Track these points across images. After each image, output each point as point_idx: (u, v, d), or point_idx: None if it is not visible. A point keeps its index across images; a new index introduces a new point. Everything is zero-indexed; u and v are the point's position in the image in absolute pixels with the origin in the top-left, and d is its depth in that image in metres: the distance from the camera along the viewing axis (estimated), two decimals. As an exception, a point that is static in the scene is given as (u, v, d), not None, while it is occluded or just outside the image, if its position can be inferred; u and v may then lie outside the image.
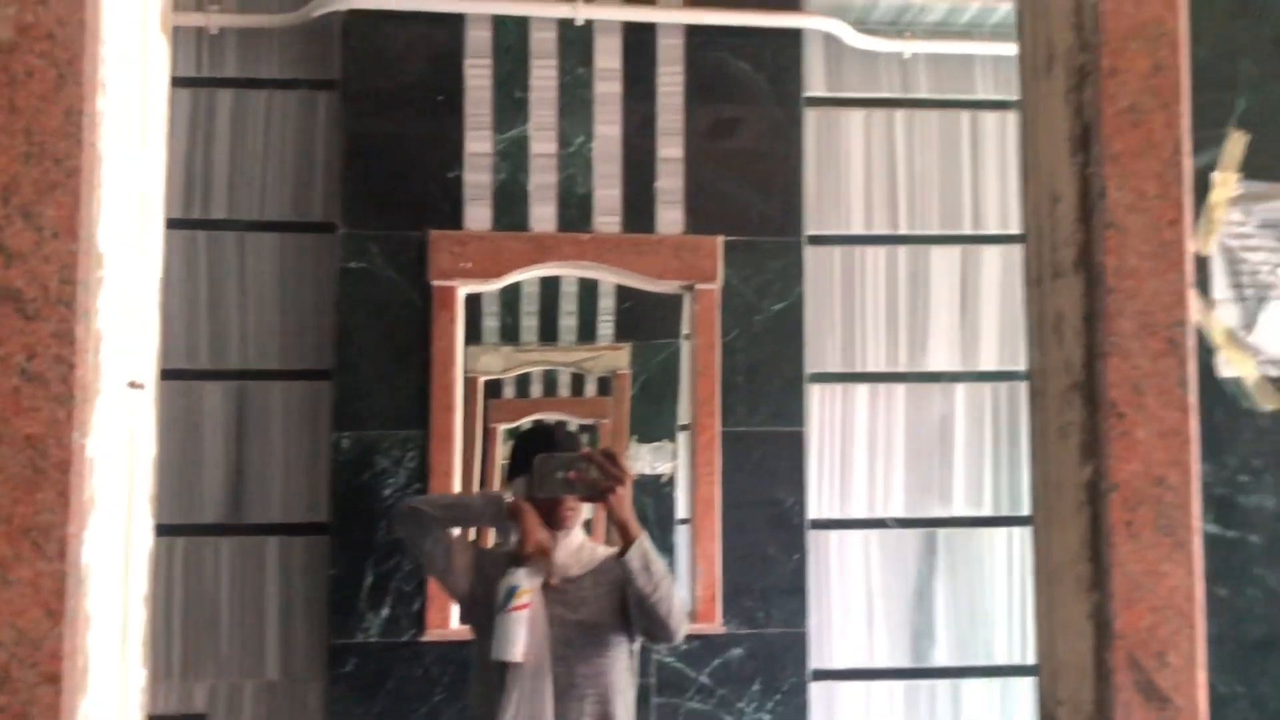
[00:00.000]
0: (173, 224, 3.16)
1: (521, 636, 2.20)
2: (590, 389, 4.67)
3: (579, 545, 2.41)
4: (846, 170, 3.51)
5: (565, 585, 2.32)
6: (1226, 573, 0.94)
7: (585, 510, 2.50)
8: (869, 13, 3.49)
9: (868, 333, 3.48)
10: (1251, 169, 0.96)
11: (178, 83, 3.23)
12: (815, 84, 3.49)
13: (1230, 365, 0.95)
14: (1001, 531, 3.44)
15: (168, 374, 3.11)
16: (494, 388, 4.47)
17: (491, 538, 3.16)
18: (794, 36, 3.41)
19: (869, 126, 3.53)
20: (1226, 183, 0.95)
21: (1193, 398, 0.90)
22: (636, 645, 2.43)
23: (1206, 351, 0.95)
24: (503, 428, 4.73)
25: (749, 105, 3.38)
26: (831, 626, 3.36)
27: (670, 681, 3.20)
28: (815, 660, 3.30)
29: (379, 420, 3.19)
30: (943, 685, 3.40)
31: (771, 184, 3.36)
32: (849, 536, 3.40)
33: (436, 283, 3.23)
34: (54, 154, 0.82)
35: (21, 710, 0.79)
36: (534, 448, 2.34)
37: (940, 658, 3.40)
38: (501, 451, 4.84)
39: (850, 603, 3.38)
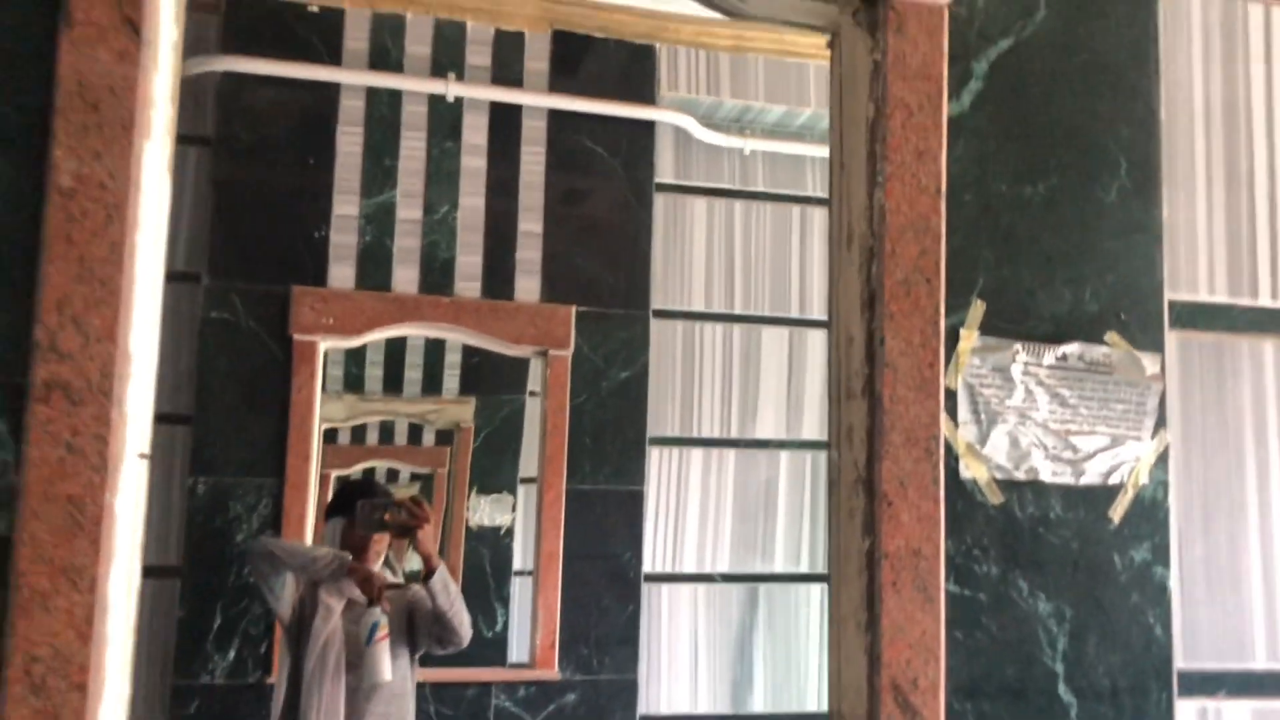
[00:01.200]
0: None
1: (386, 661, 2.75)
2: (429, 439, 4.89)
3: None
4: (690, 251, 3.91)
5: (357, 608, 2.82)
6: (961, 621, 1.31)
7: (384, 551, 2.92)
8: (715, 110, 3.92)
9: (704, 401, 3.87)
10: (987, 328, 1.35)
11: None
12: (665, 171, 3.89)
13: (968, 469, 1.34)
14: (817, 586, 3.87)
15: (23, 414, 3.22)
16: (330, 434, 4.64)
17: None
18: (648, 127, 3.80)
19: (711, 213, 3.95)
20: (970, 337, 1.34)
21: (942, 492, 1.28)
22: (418, 656, 2.93)
23: (953, 458, 1.33)
24: (335, 474, 4.90)
25: (604, 187, 3.75)
26: (660, 674, 3.70)
27: (507, 725, 3.47)
28: (643, 706, 3.63)
29: (235, 467, 3.37)
30: (759, 731, 3.78)
31: (621, 260, 3.73)
32: (679, 589, 3.76)
33: (298, 337, 3.45)
34: (100, 276, 1.08)
35: (55, 713, 1.04)
36: (353, 494, 2.88)
37: (757, 704, 3.78)
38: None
39: (677, 652, 3.73)
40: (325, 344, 3.53)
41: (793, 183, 4.00)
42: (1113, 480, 1.39)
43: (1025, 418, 1.35)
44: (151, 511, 3.28)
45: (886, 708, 1.24)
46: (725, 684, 3.78)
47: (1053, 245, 1.38)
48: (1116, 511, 1.39)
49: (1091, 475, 1.38)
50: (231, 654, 3.30)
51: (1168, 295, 1.48)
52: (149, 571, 3.33)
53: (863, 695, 1.26)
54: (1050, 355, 1.37)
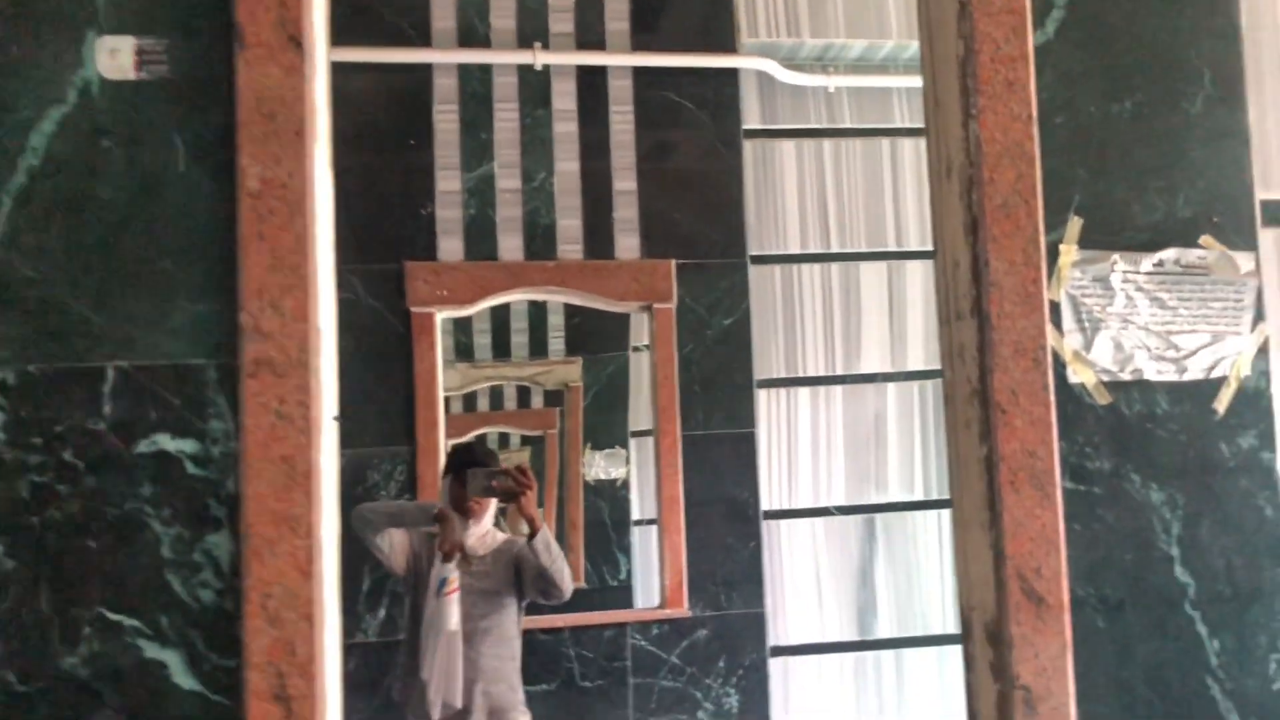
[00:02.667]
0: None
1: (455, 613, 2.98)
2: (537, 401, 5.09)
3: (485, 532, 3.12)
4: (782, 195, 4.01)
5: (474, 561, 3.06)
6: (1078, 515, 1.43)
7: (492, 507, 3.12)
8: (796, 51, 4.00)
9: (807, 341, 3.99)
10: (1085, 242, 1.46)
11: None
12: (751, 117, 3.99)
13: (1076, 374, 1.45)
14: (933, 514, 3.99)
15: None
16: (446, 403, 4.87)
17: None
18: (731, 75, 3.90)
19: (801, 154, 4.04)
20: (1069, 252, 1.45)
21: (1052, 397, 1.39)
22: (524, 604, 3.15)
23: (1061, 366, 1.44)
24: (451, 442, 5.12)
25: (693, 138, 3.86)
26: (785, 607, 3.86)
27: (644, 663, 3.66)
28: (772, 638, 3.80)
29: (370, 438, 3.60)
30: (886, 655, 3.93)
31: (716, 209, 3.85)
32: (797, 525, 3.91)
33: (415, 309, 3.65)
34: (289, 265, 1.26)
35: (289, 641, 1.22)
36: (463, 457, 3.12)
37: (883, 630, 3.92)
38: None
39: (801, 584, 3.89)
40: (441, 314, 3.73)
41: (880, 116, 4.07)
42: (1215, 374, 1.49)
43: (1127, 322, 1.46)
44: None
45: (1014, 596, 1.37)
46: (850, 612, 3.92)
47: (1144, 158, 1.47)
48: (1221, 403, 1.49)
49: (1195, 371, 1.48)
50: (381, 613, 3.56)
51: (1259, 195, 1.56)
52: (299, 541, 3.62)
53: (990, 587, 1.39)
54: (1147, 262, 1.47)
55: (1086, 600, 1.42)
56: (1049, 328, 1.39)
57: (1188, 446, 1.47)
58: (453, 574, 3.02)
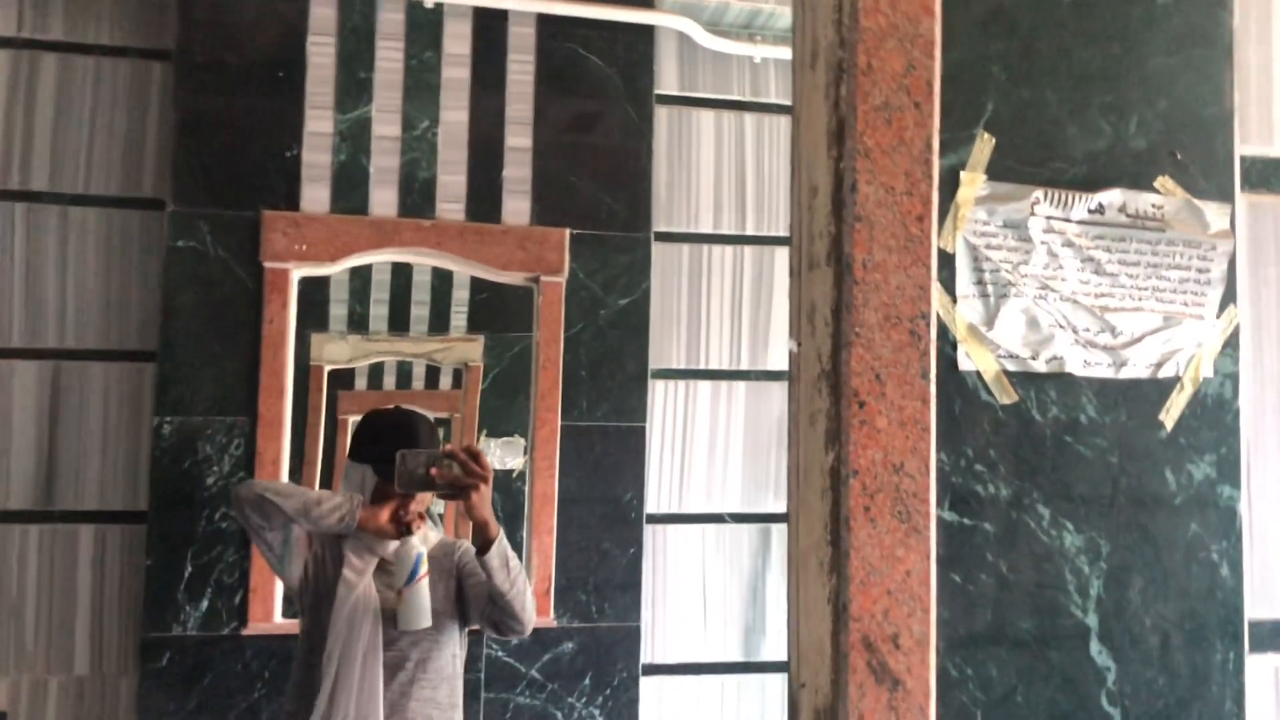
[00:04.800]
0: (-15, 193, 3.02)
1: (427, 603, 2.24)
2: (445, 382, 4.61)
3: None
4: (696, 169, 3.54)
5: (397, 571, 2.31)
6: (961, 559, 0.97)
7: (425, 504, 2.46)
8: (721, 14, 3.53)
9: (711, 330, 3.52)
10: (997, 170, 1.00)
11: (-6, 43, 3.08)
12: (668, 82, 3.52)
13: (970, 359, 0.99)
14: (834, 529, 3.53)
15: (-28, 351, 2.95)
16: (345, 379, 4.38)
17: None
18: (647, 33, 3.43)
19: (720, 126, 3.57)
20: (973, 182, 0.99)
21: (933, 388, 0.93)
22: (466, 632, 2.43)
23: (949, 344, 0.98)
24: (352, 419, 4.63)
25: (600, 99, 3.39)
26: (664, 621, 3.40)
27: (500, 676, 3.18)
28: (647, 655, 3.33)
29: (204, 405, 3.08)
30: (773, 680, 3.47)
31: (621, 179, 3.38)
32: (685, 531, 3.44)
33: (269, 264, 3.15)
34: None
35: None
36: (386, 436, 2.31)
37: (770, 652, 3.46)
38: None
39: (683, 597, 3.42)
40: (298, 272, 3.22)
41: (806, 91, 3.61)
42: (1165, 373, 1.03)
43: (1047, 289, 1.00)
44: (116, 454, 3.03)
45: (857, 674, 0.90)
46: (736, 631, 3.46)
47: (1086, 59, 1.01)
48: (1169, 414, 1.03)
49: (1136, 366, 1.02)
50: (204, 604, 3.04)
51: (1239, 148, 1.11)
52: (115, 517, 3.09)
53: (826, 658, 0.93)
54: (1081, 206, 1.01)
55: (961, 685, 0.96)
56: (935, 288, 0.94)
57: (1119, 472, 1.02)
58: (425, 554, 2.26)
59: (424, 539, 2.37)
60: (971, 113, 0.99)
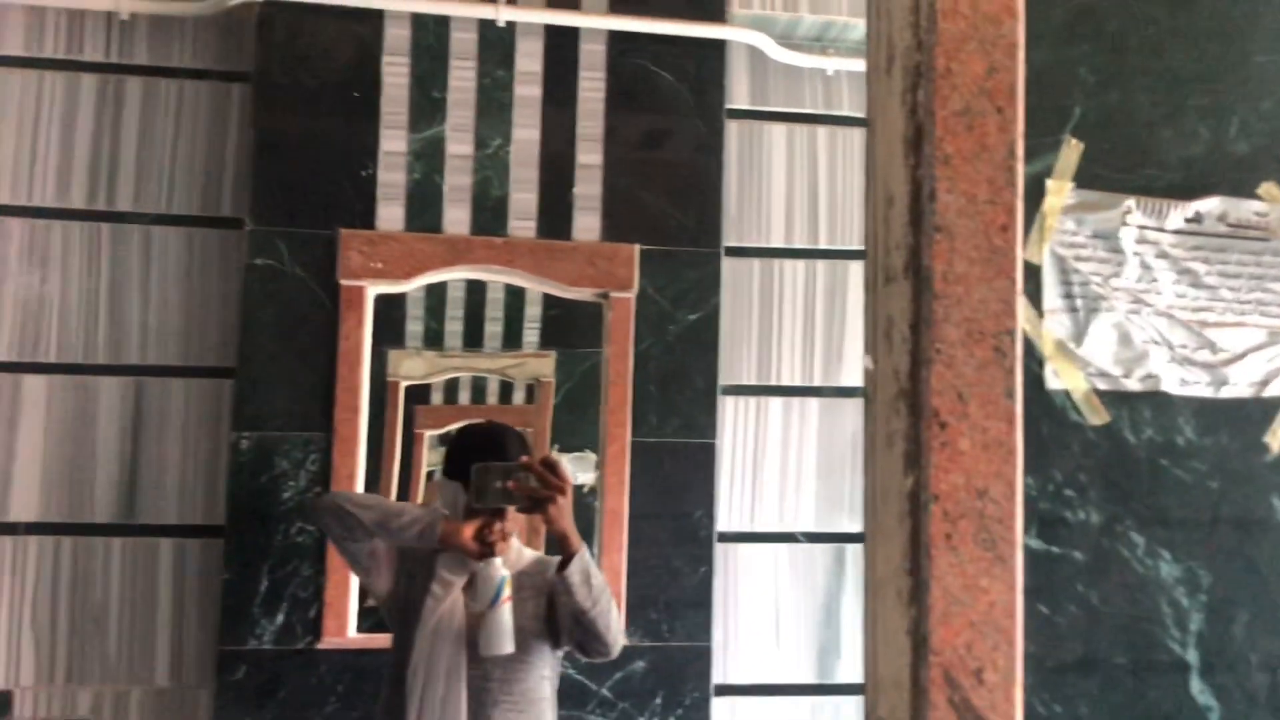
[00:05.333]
0: (74, 215, 3.09)
1: (509, 627, 2.18)
2: (518, 397, 4.62)
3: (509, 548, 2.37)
4: (768, 183, 3.50)
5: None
6: (1048, 589, 0.91)
7: (517, 527, 2.43)
8: (793, 28, 3.49)
9: (783, 346, 3.47)
10: (1086, 178, 0.94)
11: (84, 68, 3.15)
12: (739, 96, 3.48)
13: (1059, 377, 0.93)
14: (910, 549, 3.43)
15: (61, 368, 3.02)
16: (420, 393, 4.41)
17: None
18: (718, 48, 3.39)
19: (791, 140, 3.52)
20: (1060, 190, 0.93)
21: (1019, 408, 0.87)
22: (560, 654, 2.39)
23: (1036, 362, 0.92)
24: (429, 434, 4.66)
25: (670, 115, 3.36)
26: (737, 641, 3.33)
27: (571, 694, 3.14)
28: (719, 675, 3.27)
29: (281, 421, 3.11)
30: (848, 702, 3.39)
31: (691, 194, 3.34)
32: (757, 550, 3.38)
33: (345, 282, 3.17)
34: None
35: None
36: (475, 451, 2.30)
37: (846, 674, 3.38)
38: (428, 459, 4.78)
39: (756, 617, 3.36)
40: (374, 289, 3.24)
41: (879, 104, 3.54)
42: (1270, 392, 0.96)
43: (1141, 303, 0.93)
44: (195, 469, 3.07)
45: (938, 710, 0.85)
46: (810, 652, 3.38)
47: (1181, 58, 0.95)
48: (1276, 436, 0.96)
49: (1238, 385, 0.95)
50: (279, 618, 3.05)
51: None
52: (194, 531, 3.13)
53: (904, 693, 0.87)
54: (1177, 215, 0.94)
55: (1052, 723, 0.90)
56: (1021, 302, 0.88)
57: (1220, 497, 0.95)
58: (509, 576, 2.20)
59: (517, 556, 2.34)
60: (1057, 117, 0.93)
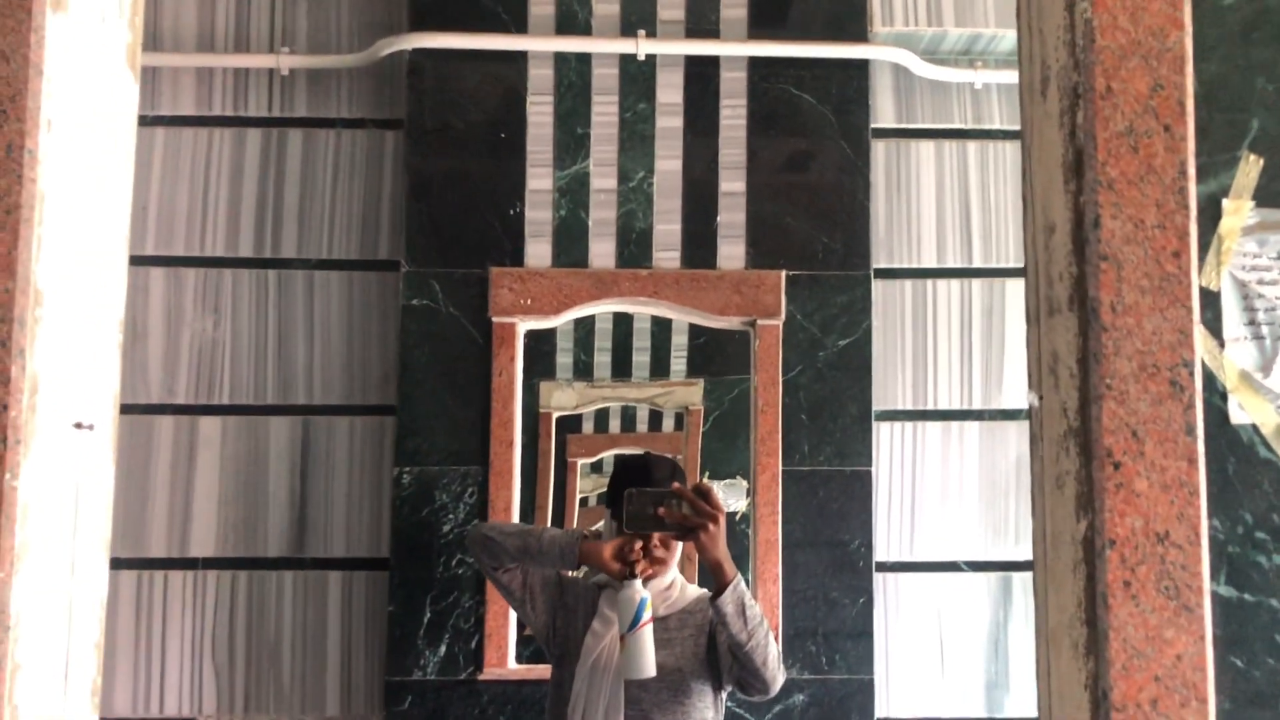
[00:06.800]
0: (243, 263, 3.24)
1: (650, 650, 2.15)
2: (668, 424, 4.63)
3: (669, 584, 2.34)
4: (917, 202, 3.41)
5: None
6: (1242, 640, 0.84)
7: (675, 557, 2.41)
8: (939, 43, 3.40)
9: (939, 369, 3.37)
10: (1266, 196, 0.87)
11: (249, 122, 3.32)
12: (884, 115, 3.41)
13: (1245, 410, 0.86)
14: (1082, 578, 3.27)
15: (234, 409, 3.16)
16: (572, 423, 4.46)
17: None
18: (861, 68, 3.34)
19: (940, 157, 3.43)
20: (1239, 210, 0.86)
21: (1201, 446, 0.81)
22: (724, 695, 2.35)
23: (1218, 395, 0.86)
24: (581, 461, 4.72)
25: (814, 137, 3.31)
26: (900, 674, 3.24)
27: (730, 728, 3.11)
28: (881, 709, 3.18)
29: (440, 456, 3.18)
30: (1019, 738, 3.24)
31: (837, 216, 3.29)
32: (918, 580, 3.28)
33: (497, 319, 3.23)
34: (-7, 192, 0.81)
35: (-54, 759, 0.77)
36: (627, 481, 2.27)
37: (1014, 708, 3.24)
38: (580, 486, 4.83)
39: (919, 649, 3.25)
40: (524, 325, 3.29)
41: (1032, 115, 3.41)
42: None
43: (1337, 328, 0.86)
44: (360, 504, 3.17)
45: (1123, 773, 0.79)
46: (977, 685, 3.25)
47: (1372, 61, 0.88)
48: None
49: None
50: (442, 649, 3.12)
51: None
52: (360, 564, 3.23)
53: (1085, 752, 0.82)
54: (1374, 231, 0.87)
55: (1251, 786, 0.83)
56: (1199, 332, 0.82)
57: None
58: (649, 599, 2.16)
59: (679, 594, 2.32)
60: (1233, 132, 0.87)
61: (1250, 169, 0.87)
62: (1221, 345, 0.86)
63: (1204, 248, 0.85)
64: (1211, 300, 0.86)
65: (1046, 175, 0.88)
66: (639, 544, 2.24)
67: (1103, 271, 0.83)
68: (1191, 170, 0.83)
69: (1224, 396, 0.86)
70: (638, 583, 2.22)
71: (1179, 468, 0.81)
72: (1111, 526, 0.81)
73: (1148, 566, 0.81)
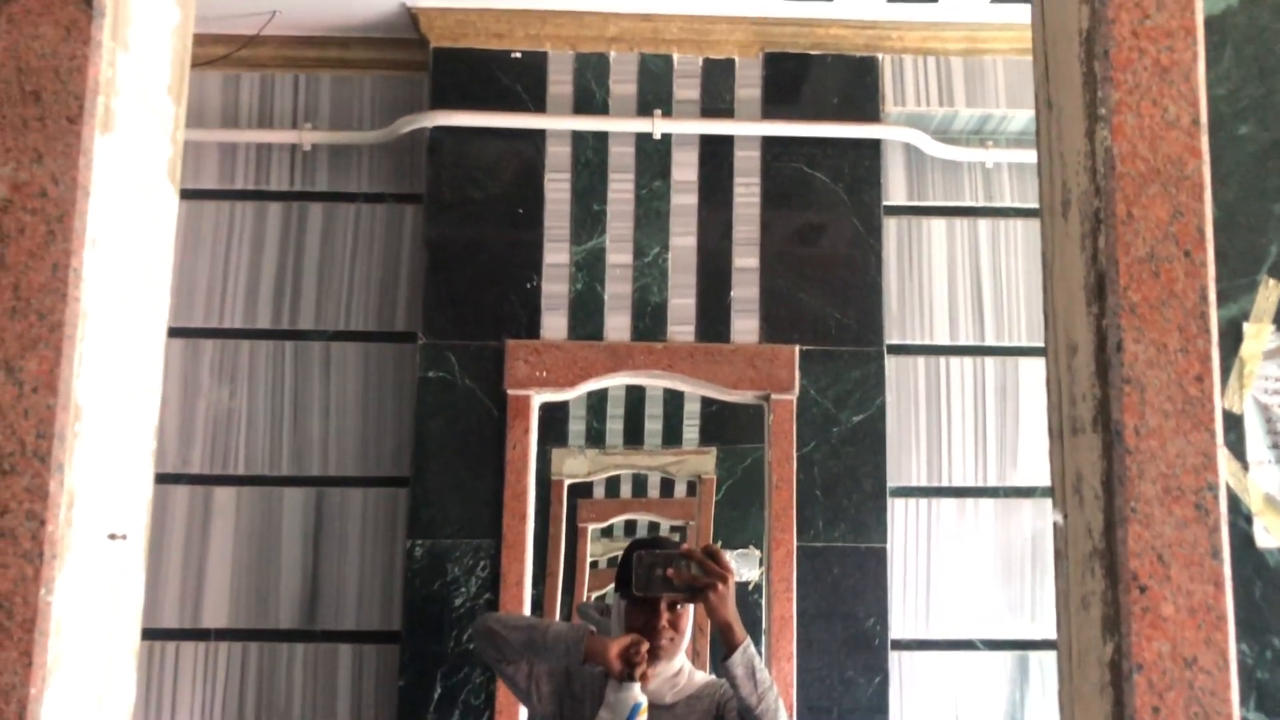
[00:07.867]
0: (261, 334, 3.27)
1: None
2: (680, 490, 4.62)
3: (676, 670, 2.33)
4: (929, 279, 3.43)
5: (657, 713, 2.24)
6: (1273, 769, 0.84)
7: (685, 638, 2.40)
8: (950, 122, 3.45)
9: (954, 445, 3.36)
10: (1287, 319, 0.88)
11: (270, 196, 3.37)
12: (896, 192, 3.45)
13: (1270, 533, 0.86)
14: (1098, 658, 3.24)
15: (249, 480, 3.17)
16: (584, 488, 4.46)
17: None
18: (873, 147, 3.38)
19: (952, 234, 3.46)
20: (1260, 334, 0.88)
21: (1227, 569, 0.82)
22: None
23: (1243, 518, 0.86)
24: (592, 527, 4.71)
25: (826, 214, 3.35)
26: (915, 755, 3.19)
27: (743, 809, 3.06)
28: (898, 791, 3.13)
29: (452, 528, 3.18)
30: (1037, 822, 3.19)
31: (850, 293, 3.31)
32: (933, 658, 3.24)
33: (512, 392, 3.24)
34: (39, 309, 0.83)
35: None
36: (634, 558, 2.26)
37: (1033, 793, 3.19)
38: (592, 549, 4.81)
39: (935, 730, 3.21)
40: (539, 397, 3.30)
41: (1044, 194, 3.44)
42: None
43: (1360, 453, 0.87)
44: (372, 576, 3.16)
45: None
46: (994, 768, 3.21)
47: (1389, 189, 0.89)
48: None
49: None
50: (452, 725, 3.09)
51: None
52: (371, 637, 3.21)
53: None
54: (1396, 356, 0.88)
55: None
56: (1223, 454, 0.83)
57: None
58: (645, 702, 2.18)
59: (686, 681, 2.30)
60: (1252, 257, 0.88)
61: (1270, 293, 0.89)
62: (1245, 468, 0.87)
63: (1225, 371, 0.86)
64: (1234, 423, 0.87)
65: (1068, 295, 0.89)
66: (645, 646, 2.22)
67: (1126, 395, 0.84)
68: (1212, 295, 0.84)
69: (1249, 519, 0.86)
70: (636, 687, 2.19)
71: (1205, 592, 0.81)
72: (1139, 651, 0.81)
73: (1176, 692, 0.80)
